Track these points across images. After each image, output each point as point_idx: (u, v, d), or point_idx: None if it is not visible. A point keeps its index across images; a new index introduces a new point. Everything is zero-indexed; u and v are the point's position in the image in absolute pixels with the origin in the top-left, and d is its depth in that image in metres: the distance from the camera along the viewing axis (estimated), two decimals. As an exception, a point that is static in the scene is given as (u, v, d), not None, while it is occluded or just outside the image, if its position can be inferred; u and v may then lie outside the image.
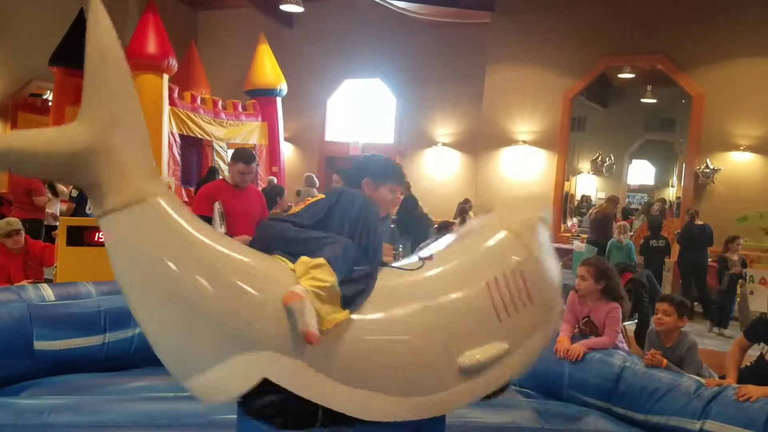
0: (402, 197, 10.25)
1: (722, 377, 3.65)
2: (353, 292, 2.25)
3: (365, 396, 2.18)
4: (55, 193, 8.48)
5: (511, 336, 2.47)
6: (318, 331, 2.05)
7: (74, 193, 8.09)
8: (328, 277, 2.16)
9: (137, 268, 2.11)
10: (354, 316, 2.21)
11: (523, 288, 2.53)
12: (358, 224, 2.42)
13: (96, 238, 5.11)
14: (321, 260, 2.18)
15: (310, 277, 2.15)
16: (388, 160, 2.82)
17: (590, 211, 11.64)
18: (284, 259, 2.28)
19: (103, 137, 2.09)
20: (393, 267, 2.54)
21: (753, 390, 3.10)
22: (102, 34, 2.09)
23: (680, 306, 3.78)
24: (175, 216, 2.13)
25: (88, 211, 8.05)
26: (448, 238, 2.94)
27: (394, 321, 2.29)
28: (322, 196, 2.59)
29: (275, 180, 11.62)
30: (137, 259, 2.10)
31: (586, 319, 4.09)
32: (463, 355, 2.34)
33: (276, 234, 2.40)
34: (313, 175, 12.02)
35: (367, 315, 2.25)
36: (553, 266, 2.76)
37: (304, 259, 2.20)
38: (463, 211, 10.08)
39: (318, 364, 2.13)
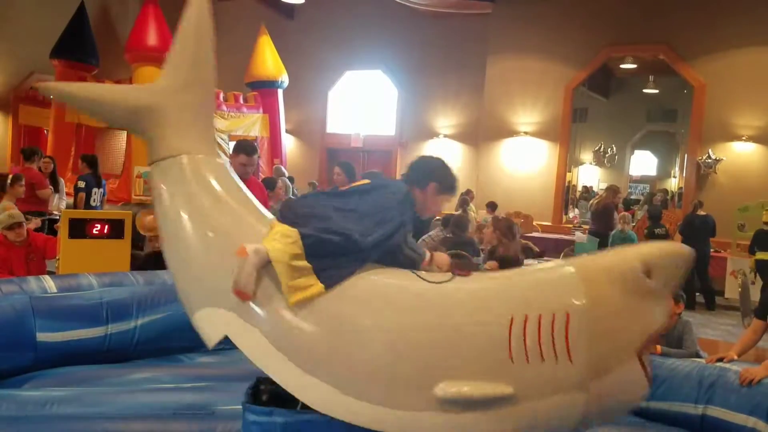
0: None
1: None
2: (326, 266, 2.22)
3: (316, 385, 2.11)
4: (57, 188, 8.48)
5: (521, 384, 2.08)
6: (249, 292, 2.17)
7: (82, 184, 8.09)
8: (286, 246, 2.19)
9: (160, 210, 2.44)
10: (332, 304, 2.18)
11: (563, 339, 2.09)
12: (383, 213, 2.36)
13: (98, 231, 5.12)
14: (291, 231, 2.22)
15: (270, 239, 2.22)
16: (453, 171, 2.72)
17: (591, 202, 11.62)
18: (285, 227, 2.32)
19: (168, 100, 2.48)
20: (417, 274, 2.31)
21: (755, 371, 3.10)
22: (198, 15, 2.68)
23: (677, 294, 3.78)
24: (189, 175, 2.41)
25: (91, 203, 8.07)
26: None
27: (375, 321, 2.15)
28: (367, 181, 2.61)
29: (283, 169, 11.57)
30: (160, 204, 2.44)
31: None
32: (447, 382, 2.06)
33: (291, 207, 2.47)
34: (281, 167, 11.88)
35: (347, 306, 2.17)
36: (631, 336, 2.21)
37: (279, 226, 2.28)
38: (464, 202, 10.06)
39: (277, 339, 2.17)
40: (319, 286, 2.19)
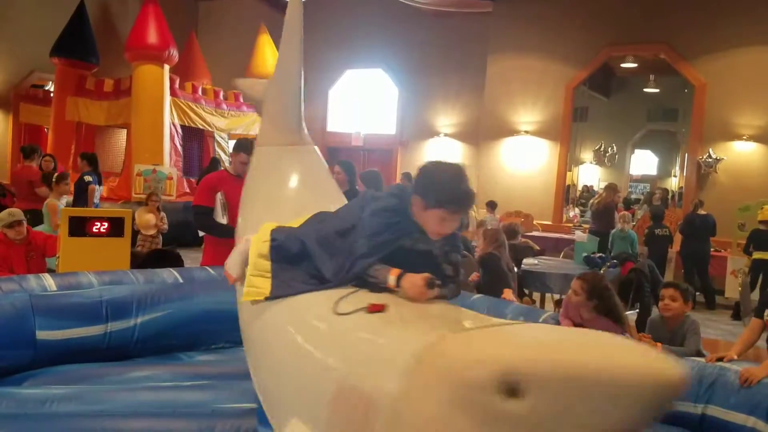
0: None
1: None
2: (284, 275, 2.22)
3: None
4: (50, 186, 8.52)
5: None
6: (233, 275, 2.47)
7: (88, 179, 8.12)
8: (259, 243, 2.30)
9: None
10: (273, 315, 2.20)
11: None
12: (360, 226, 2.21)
13: (98, 229, 5.11)
14: (269, 229, 2.35)
15: (255, 235, 2.37)
16: (461, 179, 2.17)
17: (591, 201, 11.61)
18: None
19: (265, 92, 3.16)
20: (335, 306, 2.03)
21: (755, 371, 3.09)
22: (294, 22, 2.88)
23: (686, 291, 3.78)
24: (264, 161, 3.03)
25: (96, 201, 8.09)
26: None
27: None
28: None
29: None
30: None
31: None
32: (295, 421, 1.96)
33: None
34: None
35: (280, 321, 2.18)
36: None
37: (269, 224, 2.42)
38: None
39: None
40: (264, 292, 2.20)
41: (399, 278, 2.10)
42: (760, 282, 7.96)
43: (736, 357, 3.31)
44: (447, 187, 2.13)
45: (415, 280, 2.07)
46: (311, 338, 2.02)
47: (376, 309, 1.97)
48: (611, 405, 1.32)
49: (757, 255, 8.11)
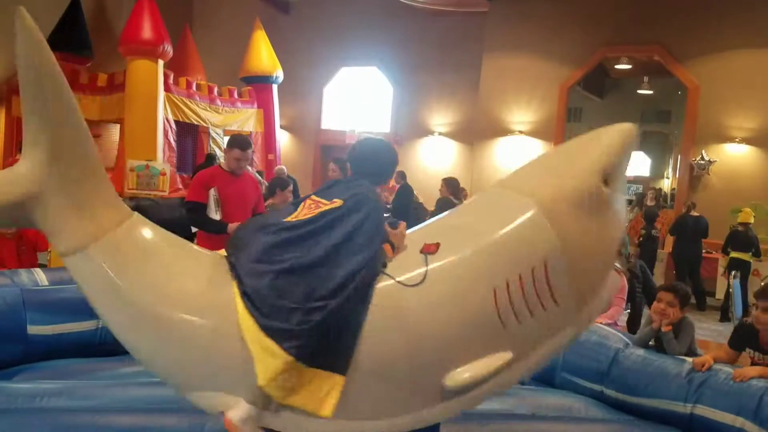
0: (398, 186, 10.27)
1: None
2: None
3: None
4: None
5: (518, 344, 2.09)
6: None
7: None
8: (276, 376, 1.99)
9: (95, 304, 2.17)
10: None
11: (546, 289, 2.07)
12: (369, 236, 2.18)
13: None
14: (277, 354, 2.01)
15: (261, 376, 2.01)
16: (394, 153, 2.57)
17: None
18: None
19: (40, 182, 1.97)
20: (396, 280, 2.11)
21: (748, 371, 3.12)
22: (32, 50, 2.08)
23: (685, 297, 3.74)
24: (107, 268, 2.05)
25: None
26: (462, 210, 2.52)
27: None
28: (338, 203, 2.25)
29: (285, 170, 11.53)
30: (90, 298, 2.16)
31: None
32: (448, 377, 2.03)
33: (253, 231, 2.27)
34: (284, 168, 11.72)
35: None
36: (607, 249, 2.22)
37: (261, 341, 2.02)
38: (458, 200, 10.08)
39: None
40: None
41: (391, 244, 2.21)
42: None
43: (712, 363, 3.32)
44: (394, 161, 2.54)
45: (394, 235, 2.23)
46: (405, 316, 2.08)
47: (431, 249, 2.13)
48: (629, 150, 2.38)
49: (734, 254, 8.52)
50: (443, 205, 7.53)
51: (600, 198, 2.18)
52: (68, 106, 2.04)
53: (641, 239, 9.38)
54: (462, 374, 2.03)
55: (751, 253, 8.56)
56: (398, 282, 2.09)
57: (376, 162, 2.47)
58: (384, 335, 2.04)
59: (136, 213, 2.20)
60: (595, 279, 2.22)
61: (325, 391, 1.99)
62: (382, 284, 2.10)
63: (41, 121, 1.99)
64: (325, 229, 2.16)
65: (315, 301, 2.00)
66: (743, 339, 3.39)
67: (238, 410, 2.01)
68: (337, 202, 2.24)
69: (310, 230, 2.17)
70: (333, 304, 1.99)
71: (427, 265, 2.11)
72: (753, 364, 3.27)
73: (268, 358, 1.95)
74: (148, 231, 2.17)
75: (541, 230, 2.11)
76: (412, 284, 2.08)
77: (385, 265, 2.15)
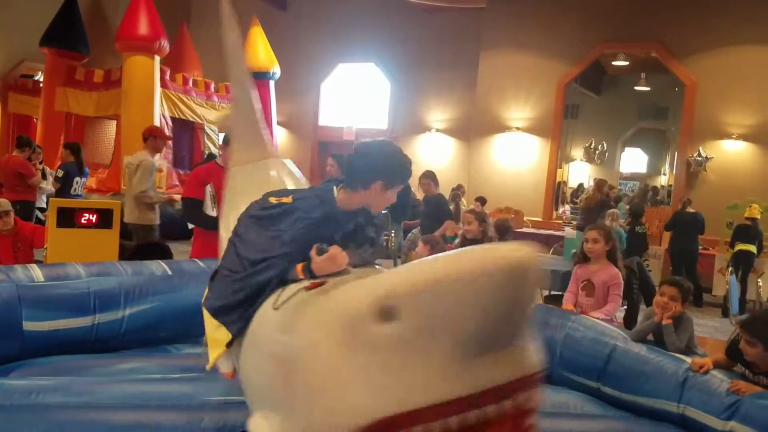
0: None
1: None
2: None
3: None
4: (44, 174, 8.42)
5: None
6: (226, 370, 2.65)
7: (60, 174, 8.02)
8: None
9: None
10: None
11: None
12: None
13: (86, 220, 5.08)
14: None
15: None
16: (401, 155, 2.47)
17: (580, 198, 11.66)
18: None
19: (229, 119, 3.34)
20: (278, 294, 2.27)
21: (744, 386, 3.10)
22: (233, 40, 3.24)
23: (687, 292, 3.75)
24: (238, 179, 3.08)
25: (72, 192, 8.00)
26: None
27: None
28: (287, 200, 2.48)
29: None
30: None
31: (585, 282, 4.34)
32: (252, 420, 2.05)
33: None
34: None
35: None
36: None
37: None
38: (456, 197, 10.06)
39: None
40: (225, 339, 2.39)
41: (306, 267, 2.25)
42: (740, 275, 8.30)
43: (712, 367, 3.31)
44: (401, 163, 2.47)
45: (326, 255, 2.22)
46: (257, 335, 2.26)
47: (316, 285, 2.11)
48: (471, 299, 1.39)
49: (739, 246, 8.56)
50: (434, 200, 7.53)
51: (362, 333, 1.53)
52: (243, 75, 3.49)
53: (627, 235, 9.38)
54: (260, 421, 1.96)
55: (755, 245, 8.61)
56: (276, 298, 2.23)
57: (350, 165, 2.50)
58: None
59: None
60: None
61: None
62: (272, 297, 2.27)
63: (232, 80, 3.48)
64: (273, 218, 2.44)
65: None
66: (736, 355, 3.36)
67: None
68: (286, 200, 2.48)
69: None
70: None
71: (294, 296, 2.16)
72: (744, 379, 3.25)
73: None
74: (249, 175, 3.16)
75: (290, 320, 2.05)
76: (275, 306, 2.20)
77: (294, 280, 2.26)
